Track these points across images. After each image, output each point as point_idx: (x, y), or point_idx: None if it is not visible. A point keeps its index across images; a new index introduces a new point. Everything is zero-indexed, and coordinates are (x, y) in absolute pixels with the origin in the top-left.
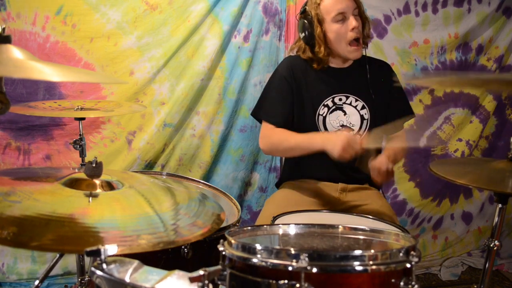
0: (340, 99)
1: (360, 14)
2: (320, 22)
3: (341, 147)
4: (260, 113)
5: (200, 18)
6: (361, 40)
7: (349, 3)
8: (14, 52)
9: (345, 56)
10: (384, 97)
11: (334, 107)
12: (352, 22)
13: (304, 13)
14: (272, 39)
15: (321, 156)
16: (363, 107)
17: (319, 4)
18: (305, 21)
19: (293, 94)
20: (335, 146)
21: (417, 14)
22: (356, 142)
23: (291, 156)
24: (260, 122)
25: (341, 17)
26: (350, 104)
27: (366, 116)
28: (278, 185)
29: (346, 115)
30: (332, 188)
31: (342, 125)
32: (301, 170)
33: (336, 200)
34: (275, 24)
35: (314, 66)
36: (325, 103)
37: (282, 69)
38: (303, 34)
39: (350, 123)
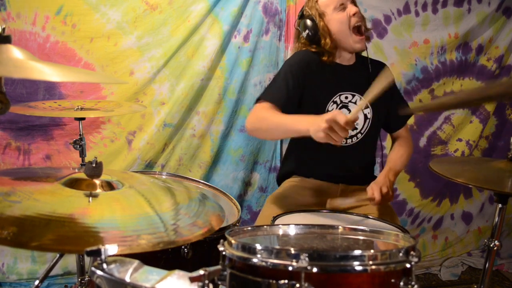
0: (346, 97)
1: (357, 5)
2: (321, 16)
3: (323, 130)
4: (261, 94)
5: (200, 18)
6: (363, 29)
7: None
8: (14, 52)
9: (350, 47)
10: (385, 98)
11: (341, 104)
12: (352, 8)
13: (302, 15)
14: (272, 39)
15: (322, 155)
16: (366, 107)
17: (317, 1)
18: (306, 20)
19: (299, 84)
20: (319, 131)
21: (417, 14)
22: (340, 122)
23: (273, 138)
24: None
25: (342, 7)
26: (355, 103)
27: (369, 116)
28: (279, 182)
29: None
30: (333, 189)
31: None
32: (302, 167)
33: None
34: (275, 24)
35: (324, 59)
36: (334, 100)
37: (296, 57)
38: (307, 33)
39: (357, 122)
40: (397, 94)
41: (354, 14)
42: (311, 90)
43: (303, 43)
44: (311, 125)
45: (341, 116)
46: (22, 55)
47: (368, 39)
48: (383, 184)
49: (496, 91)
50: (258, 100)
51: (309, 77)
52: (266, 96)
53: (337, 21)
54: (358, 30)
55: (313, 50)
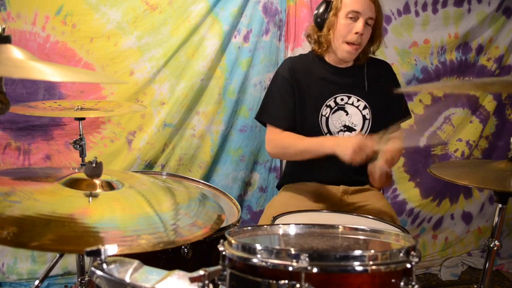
0: (342, 99)
1: (375, 29)
2: (337, 10)
3: (352, 151)
4: (264, 116)
5: (200, 18)
6: (360, 48)
7: (366, 9)
8: (14, 52)
9: (336, 53)
10: (385, 97)
11: (336, 107)
12: (359, 26)
13: None
14: (272, 39)
15: (322, 158)
16: (365, 107)
17: None
18: (325, 3)
19: (295, 95)
20: (346, 151)
21: (417, 14)
22: (367, 146)
23: (300, 159)
24: (265, 126)
25: (353, 16)
26: (352, 104)
27: (368, 116)
28: (279, 187)
29: (348, 115)
30: (333, 191)
31: (344, 126)
32: (302, 172)
33: (338, 202)
34: (275, 24)
35: (315, 48)
36: (328, 104)
37: (283, 71)
38: (316, 12)
39: (353, 123)
40: (397, 97)
41: (356, 33)
42: (303, 97)
43: (312, 26)
44: (337, 147)
45: (368, 143)
46: (22, 55)
47: (366, 56)
48: (384, 165)
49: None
50: (262, 119)
51: (298, 84)
52: (274, 121)
53: (340, 26)
54: (354, 44)
55: (312, 39)
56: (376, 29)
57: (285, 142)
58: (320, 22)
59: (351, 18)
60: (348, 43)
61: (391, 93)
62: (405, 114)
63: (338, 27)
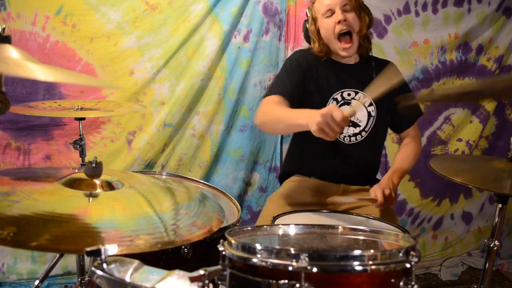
0: (349, 94)
1: (357, 9)
2: (314, 20)
3: (317, 124)
4: (266, 92)
5: (200, 18)
6: (354, 35)
7: None
8: (11, 52)
9: (337, 53)
10: (392, 95)
11: (342, 101)
12: (338, 15)
13: (308, 12)
14: (272, 39)
15: (324, 153)
16: (370, 104)
17: (313, 3)
18: (305, 21)
19: (304, 75)
20: (313, 124)
21: (417, 14)
22: (336, 117)
23: (279, 131)
24: None
25: (330, 13)
26: (359, 100)
27: (373, 113)
28: (281, 180)
29: None
30: (334, 189)
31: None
32: (303, 166)
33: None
34: (275, 24)
35: (323, 57)
36: (335, 97)
37: (294, 55)
38: (303, 31)
39: (357, 118)
40: (405, 92)
41: (339, 22)
42: (310, 87)
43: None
44: (309, 118)
45: (337, 111)
46: (18, 54)
47: (369, 41)
48: (386, 186)
49: (503, 85)
50: (265, 96)
51: (308, 75)
52: (271, 90)
53: (324, 28)
54: (343, 37)
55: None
56: (356, 9)
57: (267, 108)
58: (307, 38)
59: (329, 16)
60: (339, 39)
61: (398, 92)
62: (417, 112)
63: (323, 31)
